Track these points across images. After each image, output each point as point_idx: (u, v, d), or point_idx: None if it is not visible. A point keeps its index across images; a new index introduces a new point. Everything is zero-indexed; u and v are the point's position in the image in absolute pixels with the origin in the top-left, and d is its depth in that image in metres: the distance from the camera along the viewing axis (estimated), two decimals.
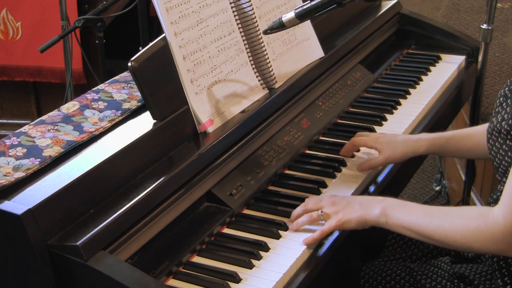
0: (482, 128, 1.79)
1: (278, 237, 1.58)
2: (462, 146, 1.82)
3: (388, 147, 1.84)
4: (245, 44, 1.86)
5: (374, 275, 1.70)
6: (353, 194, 1.75)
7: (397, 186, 2.07)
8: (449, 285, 1.62)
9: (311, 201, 1.62)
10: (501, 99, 1.57)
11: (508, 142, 1.49)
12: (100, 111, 1.70)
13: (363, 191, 1.79)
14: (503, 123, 1.50)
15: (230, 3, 1.83)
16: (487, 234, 1.40)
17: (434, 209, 1.51)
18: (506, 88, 1.58)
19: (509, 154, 1.49)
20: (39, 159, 1.49)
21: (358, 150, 1.94)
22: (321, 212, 1.57)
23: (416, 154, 1.85)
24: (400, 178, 1.99)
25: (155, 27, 3.55)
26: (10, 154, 1.51)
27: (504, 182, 1.50)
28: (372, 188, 1.81)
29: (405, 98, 2.25)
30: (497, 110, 1.57)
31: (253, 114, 1.79)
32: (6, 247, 1.37)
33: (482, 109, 2.63)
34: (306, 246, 1.54)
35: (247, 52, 1.86)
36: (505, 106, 1.53)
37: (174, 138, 1.64)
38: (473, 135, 1.81)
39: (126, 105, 1.73)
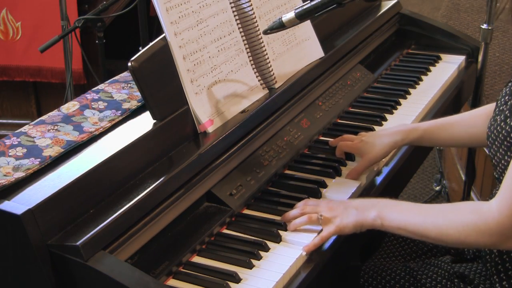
0: (458, 118, 1.83)
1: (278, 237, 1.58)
2: (438, 136, 1.85)
3: (368, 147, 1.85)
4: (245, 44, 1.86)
5: (374, 274, 1.70)
6: (354, 194, 1.75)
7: (397, 186, 2.07)
8: (449, 285, 1.62)
9: (308, 204, 1.63)
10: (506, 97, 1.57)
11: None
12: (100, 111, 1.70)
13: (363, 191, 1.79)
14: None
15: (230, 3, 1.83)
16: (481, 227, 1.40)
17: (428, 207, 1.51)
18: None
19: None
20: (39, 159, 1.49)
21: None
22: (321, 215, 1.57)
23: (396, 147, 1.88)
24: (400, 178, 1.99)
25: (155, 27, 3.55)
26: (10, 154, 1.51)
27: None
28: (372, 188, 1.81)
29: (405, 98, 2.25)
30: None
31: (253, 114, 1.79)
32: (6, 247, 1.37)
33: None
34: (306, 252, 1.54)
35: (247, 52, 1.86)
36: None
37: (174, 138, 1.64)
38: (449, 126, 1.84)
39: (126, 105, 1.73)
